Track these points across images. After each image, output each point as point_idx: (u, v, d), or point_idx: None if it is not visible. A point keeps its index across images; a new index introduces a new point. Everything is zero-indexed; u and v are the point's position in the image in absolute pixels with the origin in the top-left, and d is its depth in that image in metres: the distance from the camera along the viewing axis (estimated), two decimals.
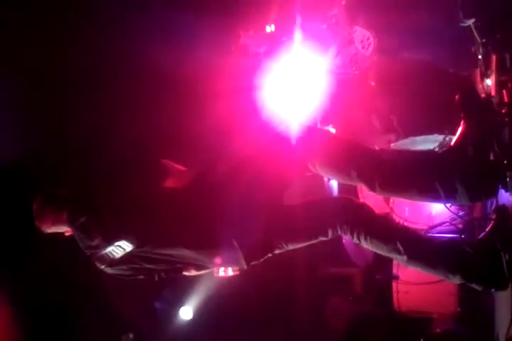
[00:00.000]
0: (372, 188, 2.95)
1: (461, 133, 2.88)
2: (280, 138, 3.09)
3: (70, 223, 3.21)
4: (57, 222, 3.26)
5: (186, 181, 3.16)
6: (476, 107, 2.93)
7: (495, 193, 2.86)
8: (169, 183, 3.18)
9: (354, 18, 4.28)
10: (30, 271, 5.30)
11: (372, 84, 4.48)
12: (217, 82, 4.83)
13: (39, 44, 4.76)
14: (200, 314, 6.32)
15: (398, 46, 4.28)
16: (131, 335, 5.81)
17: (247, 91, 4.42)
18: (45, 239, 3.41)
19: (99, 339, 5.72)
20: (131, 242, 3.04)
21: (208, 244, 3.08)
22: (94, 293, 5.44)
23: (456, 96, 2.94)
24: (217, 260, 3.20)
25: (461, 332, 4.65)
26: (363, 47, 4.20)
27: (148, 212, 3.08)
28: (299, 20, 4.19)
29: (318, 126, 4.24)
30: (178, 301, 6.35)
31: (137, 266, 3.17)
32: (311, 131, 3.13)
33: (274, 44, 4.42)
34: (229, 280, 5.41)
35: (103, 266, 3.17)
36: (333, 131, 4.29)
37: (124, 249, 3.05)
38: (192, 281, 5.97)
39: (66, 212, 3.21)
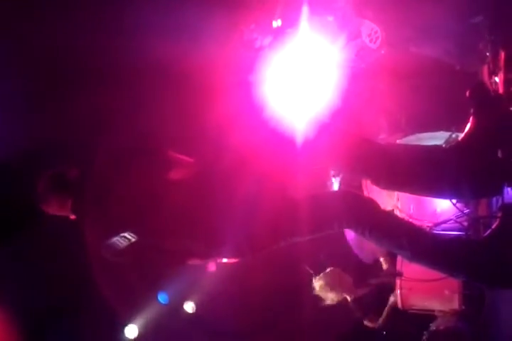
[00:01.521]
0: (377, 183, 2.95)
1: (469, 129, 2.87)
2: (287, 132, 3.07)
3: (74, 212, 3.21)
4: (62, 208, 3.24)
5: (193, 172, 3.16)
6: (486, 103, 2.91)
7: (499, 191, 2.86)
8: (176, 174, 3.16)
9: (362, 11, 4.26)
10: (30, 264, 5.31)
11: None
12: (221, 77, 4.82)
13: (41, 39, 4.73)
14: (203, 309, 6.33)
15: (406, 41, 4.26)
16: (134, 328, 5.83)
17: (252, 85, 4.41)
18: (43, 228, 3.37)
19: (102, 332, 5.73)
20: (135, 233, 3.04)
21: (213, 236, 3.07)
22: (96, 286, 5.44)
23: (467, 91, 2.93)
24: (222, 251, 3.20)
25: (465, 329, 4.65)
26: (370, 41, 4.18)
27: (153, 203, 3.07)
28: (304, 12, 4.17)
29: (327, 120, 4.22)
30: (182, 296, 6.37)
31: (142, 255, 3.18)
32: (323, 126, 3.10)
33: (279, 36, 4.39)
34: (232, 275, 5.46)
35: (108, 255, 3.17)
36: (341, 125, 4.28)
37: (128, 240, 3.04)
38: (195, 276, 5.98)
39: (71, 199, 3.19)
